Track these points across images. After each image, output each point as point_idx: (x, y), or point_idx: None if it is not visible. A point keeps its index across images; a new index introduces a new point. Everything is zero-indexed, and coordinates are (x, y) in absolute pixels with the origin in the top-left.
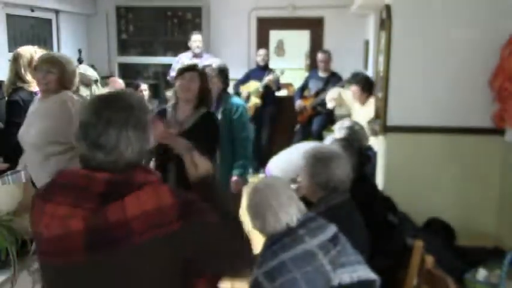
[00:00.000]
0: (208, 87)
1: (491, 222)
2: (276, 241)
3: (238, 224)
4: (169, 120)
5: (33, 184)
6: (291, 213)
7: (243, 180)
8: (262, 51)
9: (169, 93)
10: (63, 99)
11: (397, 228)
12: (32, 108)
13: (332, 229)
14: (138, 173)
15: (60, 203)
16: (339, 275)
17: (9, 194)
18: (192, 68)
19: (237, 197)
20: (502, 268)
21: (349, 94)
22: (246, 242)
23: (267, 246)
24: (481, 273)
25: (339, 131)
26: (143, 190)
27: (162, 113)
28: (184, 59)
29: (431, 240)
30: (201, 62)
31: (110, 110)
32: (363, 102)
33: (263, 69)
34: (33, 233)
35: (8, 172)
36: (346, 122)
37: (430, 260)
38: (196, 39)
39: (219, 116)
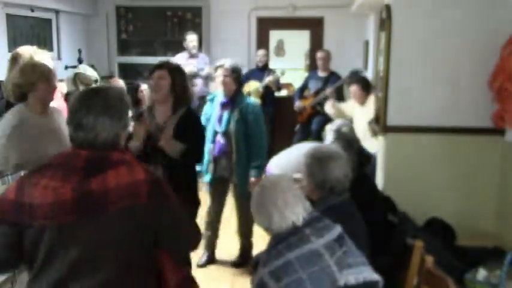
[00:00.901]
0: (183, 84)
1: (491, 222)
2: (282, 240)
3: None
4: (148, 123)
5: None
6: (297, 212)
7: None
8: (260, 52)
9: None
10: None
11: (397, 228)
12: (36, 128)
13: (337, 229)
14: (116, 152)
15: (52, 178)
16: (345, 276)
17: None
18: (160, 66)
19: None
20: (502, 268)
21: (349, 104)
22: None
23: (272, 245)
24: (481, 273)
25: (328, 133)
26: (122, 166)
27: (139, 116)
28: (180, 60)
29: (431, 240)
30: (197, 62)
31: (90, 100)
32: (363, 101)
33: (262, 69)
34: (16, 204)
35: (8, 172)
36: (335, 124)
37: (430, 260)
38: (192, 40)
39: (235, 117)
